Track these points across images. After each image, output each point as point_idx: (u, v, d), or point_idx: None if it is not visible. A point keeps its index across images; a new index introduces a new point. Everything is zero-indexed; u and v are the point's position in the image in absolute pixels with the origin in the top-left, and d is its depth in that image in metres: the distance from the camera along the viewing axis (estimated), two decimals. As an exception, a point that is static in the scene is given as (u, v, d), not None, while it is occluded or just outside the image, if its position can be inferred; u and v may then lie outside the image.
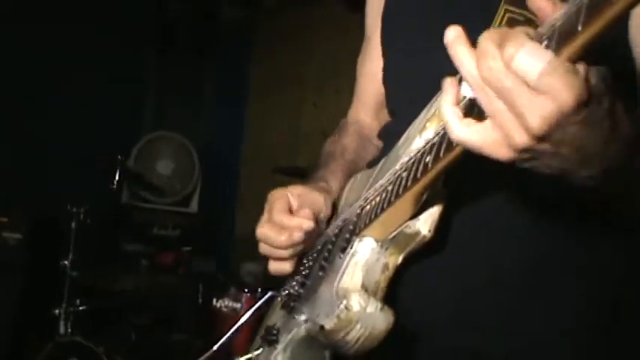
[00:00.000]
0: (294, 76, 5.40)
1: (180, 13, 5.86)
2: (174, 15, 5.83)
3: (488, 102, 0.71)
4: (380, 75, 1.45)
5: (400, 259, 1.01)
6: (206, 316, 3.82)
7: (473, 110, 0.77)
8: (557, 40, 0.67)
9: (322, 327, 1.00)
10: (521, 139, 0.70)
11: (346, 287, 1.01)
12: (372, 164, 1.34)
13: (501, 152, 0.73)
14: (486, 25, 1.05)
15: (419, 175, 0.92)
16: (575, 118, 0.67)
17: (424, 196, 0.96)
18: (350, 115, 1.61)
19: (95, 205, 3.85)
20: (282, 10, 5.65)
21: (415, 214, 0.98)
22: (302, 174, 4.07)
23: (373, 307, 0.96)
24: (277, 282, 1.35)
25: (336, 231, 1.23)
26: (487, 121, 0.73)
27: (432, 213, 0.97)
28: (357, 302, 0.96)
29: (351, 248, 1.08)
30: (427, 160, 0.90)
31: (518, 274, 1.07)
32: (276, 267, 1.27)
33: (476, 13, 1.12)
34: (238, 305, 3.61)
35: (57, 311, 3.60)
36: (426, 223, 0.97)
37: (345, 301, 0.97)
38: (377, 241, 1.04)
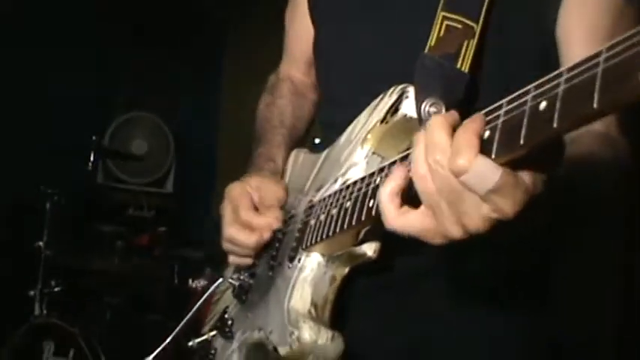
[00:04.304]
0: (271, 60, 5.40)
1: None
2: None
3: (430, 194, 0.73)
4: (309, 35, 1.45)
5: (347, 270, 1.06)
6: (182, 296, 3.85)
7: (411, 192, 0.79)
8: (498, 144, 0.67)
9: (275, 348, 1.08)
10: (457, 234, 0.73)
11: (297, 309, 1.07)
12: (313, 147, 1.38)
13: (435, 239, 0.76)
14: (424, 31, 1.09)
15: (363, 217, 0.93)
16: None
17: (369, 227, 1.00)
18: (281, 70, 1.62)
19: (70, 186, 3.88)
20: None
21: (360, 242, 1.02)
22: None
23: (324, 338, 1.02)
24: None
25: (283, 228, 1.25)
26: (423, 208, 0.76)
27: (378, 240, 1.02)
28: (307, 334, 1.02)
29: (299, 262, 1.12)
30: (370, 205, 0.91)
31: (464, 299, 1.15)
32: (238, 261, 1.30)
33: (414, 4, 1.17)
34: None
35: (32, 292, 3.63)
36: (371, 246, 1.01)
37: (296, 332, 1.03)
38: (323, 255, 1.08)
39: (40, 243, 3.70)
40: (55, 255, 3.72)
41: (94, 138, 4.16)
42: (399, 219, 0.78)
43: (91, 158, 4.11)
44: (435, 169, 0.71)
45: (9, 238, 4.10)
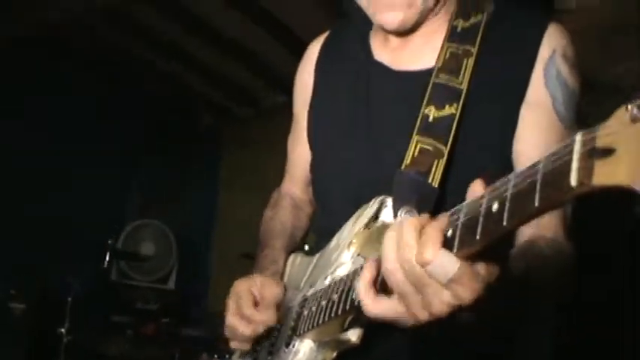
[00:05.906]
0: (259, 173, 5.93)
1: (164, 120, 6.28)
2: (158, 122, 6.26)
3: (400, 283, 0.79)
4: (307, 158, 1.54)
5: (334, 354, 1.12)
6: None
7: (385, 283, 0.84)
8: (459, 240, 0.73)
9: None
10: (424, 317, 0.80)
11: None
12: (309, 251, 1.49)
13: (407, 323, 0.83)
14: (401, 151, 1.18)
15: (347, 307, 1.00)
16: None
17: (353, 316, 1.05)
18: (283, 187, 1.70)
19: (88, 281, 4.27)
20: (249, 119, 6.31)
21: (346, 329, 1.07)
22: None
23: None
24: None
25: (278, 324, 1.33)
26: (394, 297, 0.82)
27: (360, 327, 1.05)
28: None
29: (294, 347, 1.20)
30: (354, 297, 0.97)
31: None
32: (238, 346, 1.39)
33: (394, 131, 1.27)
34: (209, 368, 4.03)
35: (54, 371, 3.91)
36: (355, 333, 1.04)
37: None
38: (314, 341, 1.17)
39: (62, 329, 4.07)
40: (73, 340, 4.07)
41: (109, 242, 4.59)
42: (375, 307, 0.85)
43: (107, 258, 4.50)
44: (404, 262, 0.77)
45: (36, 324, 4.42)
